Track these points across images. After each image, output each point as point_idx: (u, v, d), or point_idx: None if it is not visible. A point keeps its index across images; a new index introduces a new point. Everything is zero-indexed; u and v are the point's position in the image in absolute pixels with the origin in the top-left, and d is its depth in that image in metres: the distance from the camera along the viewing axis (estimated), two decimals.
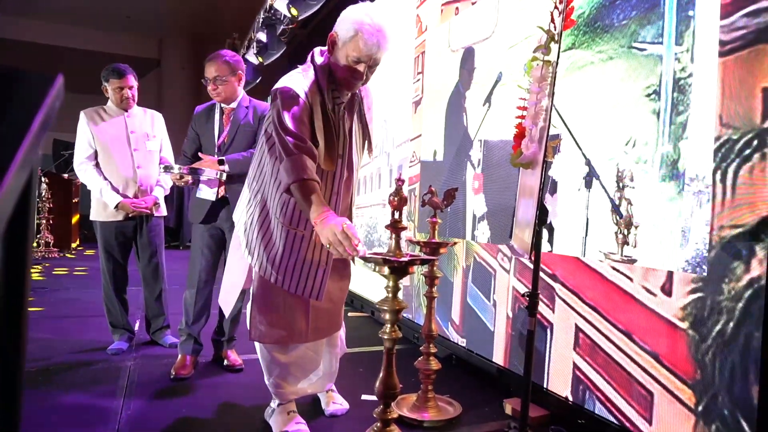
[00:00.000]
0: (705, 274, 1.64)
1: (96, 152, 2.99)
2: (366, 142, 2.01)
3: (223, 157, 2.55)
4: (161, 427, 2.05)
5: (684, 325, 1.69)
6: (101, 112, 3.01)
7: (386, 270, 1.47)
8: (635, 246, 1.89)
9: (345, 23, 1.78)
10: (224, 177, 2.55)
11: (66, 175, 7.93)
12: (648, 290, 1.83)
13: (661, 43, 1.82)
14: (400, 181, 1.52)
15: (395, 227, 1.52)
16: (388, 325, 1.58)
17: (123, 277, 3.09)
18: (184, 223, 9.18)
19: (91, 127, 2.97)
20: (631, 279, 1.90)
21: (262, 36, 6.25)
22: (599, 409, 2.00)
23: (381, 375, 1.60)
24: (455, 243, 2.95)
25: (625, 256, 1.93)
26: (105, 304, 3.07)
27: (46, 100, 0.43)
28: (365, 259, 1.47)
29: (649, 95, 1.86)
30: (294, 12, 4.95)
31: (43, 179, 7.11)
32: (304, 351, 2.05)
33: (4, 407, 0.44)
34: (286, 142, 1.69)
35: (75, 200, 8.12)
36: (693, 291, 1.67)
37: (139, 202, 2.98)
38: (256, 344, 2.03)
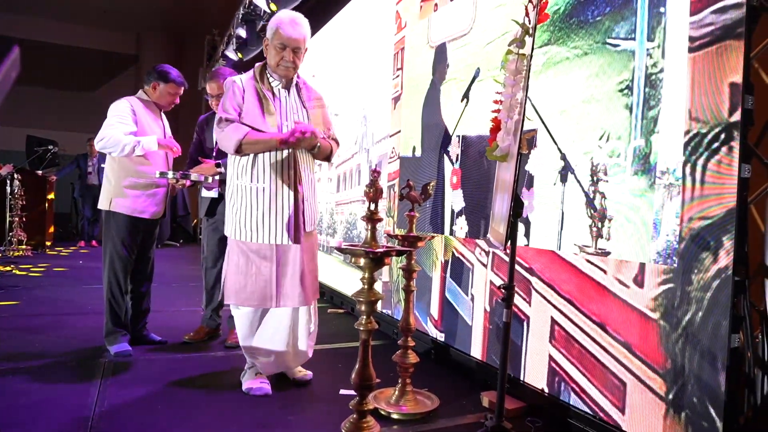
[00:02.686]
0: (675, 265, 1.67)
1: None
2: (307, 119, 2.39)
3: (220, 161, 2.96)
4: (137, 423, 2.02)
5: (655, 315, 1.73)
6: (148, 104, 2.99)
7: (362, 261, 1.47)
8: (609, 239, 1.92)
9: (269, 28, 2.34)
10: (215, 178, 2.94)
11: (40, 172, 7.76)
12: (621, 282, 1.86)
13: (634, 39, 1.85)
14: (375, 173, 1.52)
15: (371, 218, 1.52)
16: (364, 317, 1.58)
17: (129, 275, 2.97)
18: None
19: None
20: (605, 271, 1.93)
21: (242, 32, 6.20)
22: (574, 400, 2.03)
23: (357, 366, 1.60)
24: (433, 237, 2.97)
25: (599, 249, 1.96)
26: (109, 302, 2.87)
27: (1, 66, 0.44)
28: (341, 250, 1.47)
29: (622, 90, 1.89)
30: (273, 7, 4.93)
31: (15, 176, 6.94)
32: (273, 317, 2.36)
33: None
34: (220, 119, 2.26)
35: (50, 198, 7.96)
36: (664, 282, 1.71)
37: (173, 145, 2.94)
38: (232, 308, 2.38)
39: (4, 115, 10.59)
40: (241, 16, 6.11)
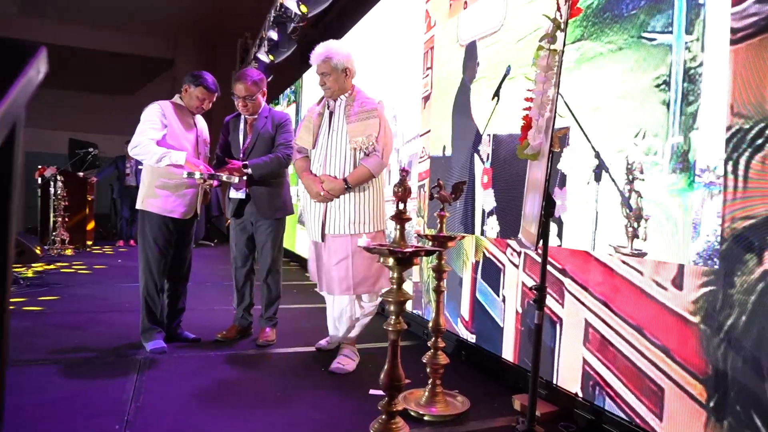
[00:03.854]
0: (716, 267, 1.60)
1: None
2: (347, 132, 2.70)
3: (246, 162, 3.01)
4: (171, 418, 2.06)
5: (695, 319, 1.66)
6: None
7: (391, 261, 1.46)
8: (645, 239, 1.86)
9: None
10: (242, 178, 3.03)
11: (81, 174, 8.03)
12: (658, 284, 1.80)
13: (671, 32, 1.78)
14: (404, 172, 1.51)
15: (399, 218, 1.51)
16: (393, 317, 1.57)
17: (164, 273, 3.02)
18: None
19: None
20: (641, 273, 1.87)
21: (273, 34, 6.28)
22: (609, 406, 1.98)
23: (386, 367, 1.59)
24: (463, 237, 2.94)
25: (635, 250, 1.90)
26: (145, 300, 2.93)
27: (27, 67, 0.44)
28: (369, 249, 1.46)
29: (658, 86, 1.83)
30: (303, 9, 4.97)
31: (58, 177, 7.20)
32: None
33: None
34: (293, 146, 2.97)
35: (90, 199, 8.22)
36: (704, 284, 1.64)
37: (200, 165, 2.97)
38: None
39: (47, 119, 11.02)
40: (272, 18, 6.18)
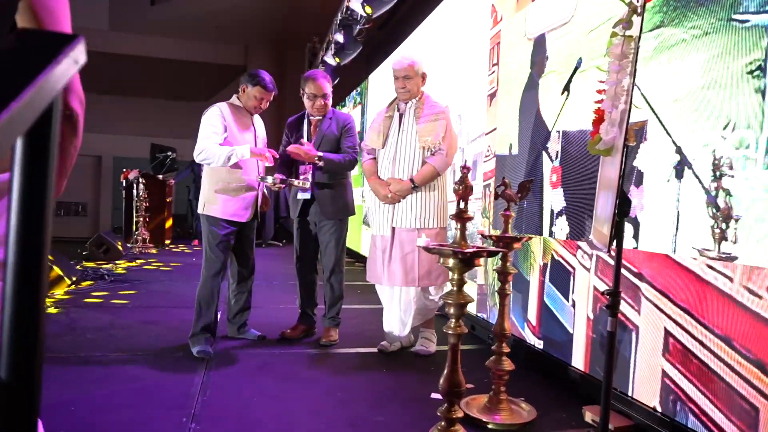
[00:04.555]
0: None
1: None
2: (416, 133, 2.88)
3: (321, 153, 3.01)
4: (235, 413, 2.11)
5: None
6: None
7: (451, 261, 1.40)
8: (735, 242, 1.68)
9: None
10: (309, 181, 3.06)
11: (161, 177, 8.49)
12: (751, 291, 1.62)
13: None
14: (465, 169, 1.45)
15: (460, 217, 1.45)
16: (453, 320, 1.51)
17: (223, 276, 3.01)
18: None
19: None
20: (730, 279, 1.70)
21: (339, 37, 6.34)
22: (692, 423, 1.81)
23: (445, 372, 1.53)
24: (530, 238, 2.82)
25: (723, 253, 1.73)
26: (198, 305, 2.88)
27: (61, 56, 0.45)
28: (428, 249, 1.41)
29: (752, 72, 1.65)
30: (368, 10, 4.98)
31: (140, 180, 7.65)
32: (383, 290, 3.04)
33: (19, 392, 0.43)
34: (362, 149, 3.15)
35: (168, 200, 8.68)
36: None
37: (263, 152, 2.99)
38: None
39: (132, 126, 11.77)
40: (338, 21, 6.25)
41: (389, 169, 2.86)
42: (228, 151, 2.85)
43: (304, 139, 3.11)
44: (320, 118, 3.17)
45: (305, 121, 3.22)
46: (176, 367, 2.67)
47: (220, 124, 2.91)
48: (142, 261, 6.74)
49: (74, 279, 4.91)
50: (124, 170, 7.98)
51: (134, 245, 7.64)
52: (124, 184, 8.04)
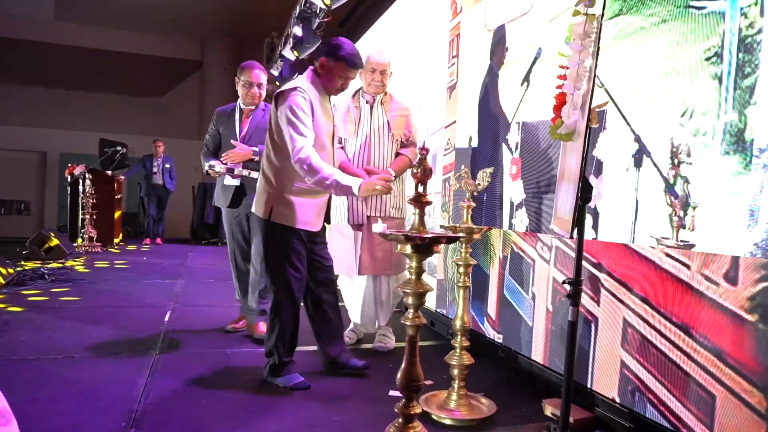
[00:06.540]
0: None
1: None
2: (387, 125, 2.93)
3: (256, 149, 3.00)
4: (179, 416, 1.97)
5: (752, 317, 1.48)
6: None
7: (408, 248, 1.32)
8: (693, 229, 1.68)
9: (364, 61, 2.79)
10: (255, 174, 2.92)
11: (110, 172, 8.12)
12: (709, 279, 1.62)
13: None
14: (424, 150, 1.38)
15: (419, 201, 1.37)
16: (411, 310, 1.43)
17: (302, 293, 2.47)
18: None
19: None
20: (688, 267, 1.69)
21: (298, 30, 6.21)
22: (651, 413, 1.80)
23: (403, 366, 1.45)
24: (489, 229, 2.78)
25: (681, 241, 1.72)
26: (282, 330, 2.35)
27: None
28: (385, 235, 1.33)
29: (709, 58, 1.64)
30: (327, 1, 4.87)
31: (87, 175, 7.28)
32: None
33: None
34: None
35: (118, 197, 8.30)
36: (764, 278, 1.46)
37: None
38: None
39: (79, 121, 11.23)
40: (297, 14, 6.11)
41: (364, 156, 2.89)
42: (332, 180, 2.14)
43: (237, 141, 3.08)
44: (252, 108, 3.16)
45: (236, 111, 3.19)
46: (118, 369, 2.49)
47: (310, 119, 2.28)
48: (85, 259, 6.41)
49: (10, 272, 4.61)
50: (69, 165, 7.57)
51: (80, 244, 7.26)
52: (69, 179, 7.62)
